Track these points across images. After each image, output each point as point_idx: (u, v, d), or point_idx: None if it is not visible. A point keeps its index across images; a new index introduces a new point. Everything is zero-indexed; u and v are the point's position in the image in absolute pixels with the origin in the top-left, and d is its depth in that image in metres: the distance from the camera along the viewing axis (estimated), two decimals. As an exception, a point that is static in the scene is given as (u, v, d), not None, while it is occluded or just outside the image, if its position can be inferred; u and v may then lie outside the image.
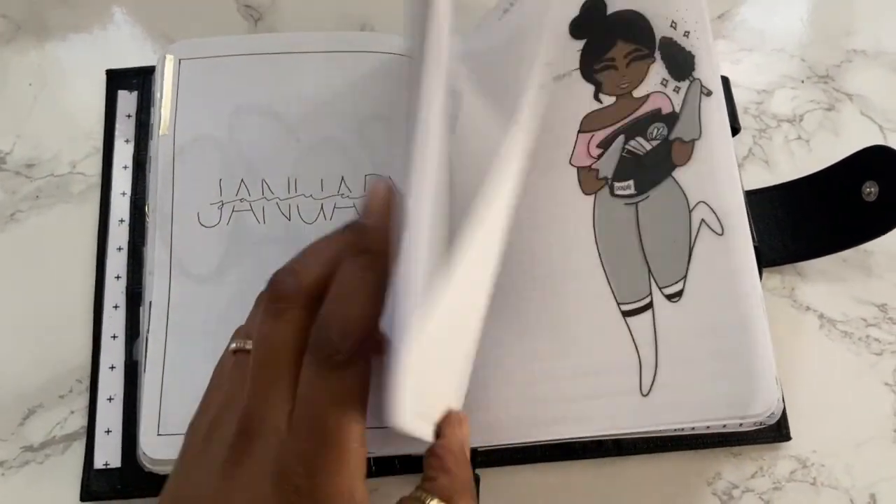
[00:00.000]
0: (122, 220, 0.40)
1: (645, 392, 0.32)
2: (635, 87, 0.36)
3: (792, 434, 0.38)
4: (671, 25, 0.36)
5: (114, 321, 0.38)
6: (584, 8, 0.38)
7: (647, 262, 0.33)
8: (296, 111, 0.40)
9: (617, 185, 0.35)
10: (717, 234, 0.32)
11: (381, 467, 0.36)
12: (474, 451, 0.35)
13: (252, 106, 0.40)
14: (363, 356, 0.27)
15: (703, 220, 0.33)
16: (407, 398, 0.23)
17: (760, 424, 0.32)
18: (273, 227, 0.38)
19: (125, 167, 0.41)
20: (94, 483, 0.36)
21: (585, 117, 0.36)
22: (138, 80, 0.43)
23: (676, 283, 0.33)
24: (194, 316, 0.36)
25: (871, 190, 0.38)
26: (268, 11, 0.46)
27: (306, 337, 0.27)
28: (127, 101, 0.42)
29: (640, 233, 0.34)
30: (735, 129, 0.41)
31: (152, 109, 0.40)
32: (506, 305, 0.35)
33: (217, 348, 0.30)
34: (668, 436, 0.37)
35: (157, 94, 0.40)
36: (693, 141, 0.34)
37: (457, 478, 0.28)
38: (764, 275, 0.39)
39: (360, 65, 0.41)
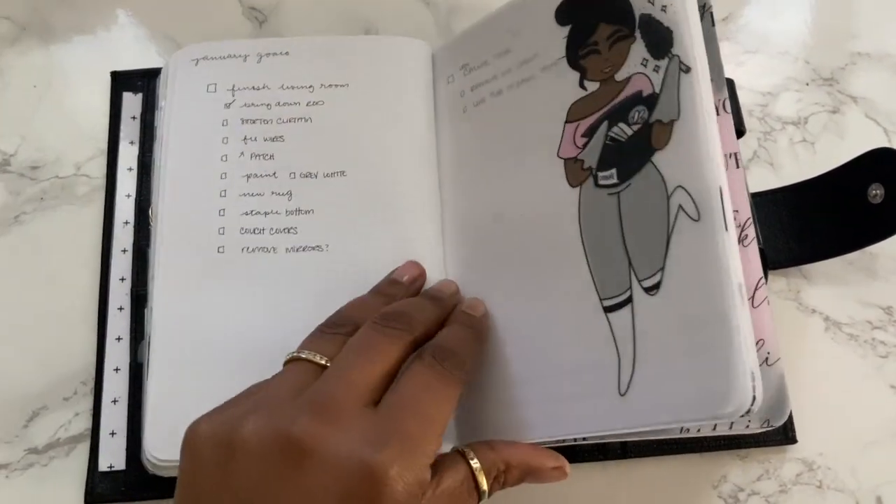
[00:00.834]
0: (126, 222, 0.40)
1: (622, 391, 0.31)
2: (617, 70, 0.34)
3: (798, 437, 0.38)
4: (649, 0, 0.33)
5: (118, 323, 0.38)
6: None
7: (627, 255, 0.32)
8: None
9: (600, 174, 0.34)
10: (693, 220, 0.30)
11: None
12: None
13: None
14: (463, 387, 0.30)
15: (680, 206, 0.31)
16: None
17: (767, 426, 0.32)
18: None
19: (130, 169, 0.41)
20: (98, 485, 0.36)
21: (572, 106, 0.35)
22: (143, 81, 0.43)
23: (654, 274, 0.31)
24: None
25: (876, 192, 0.38)
26: (272, 13, 0.46)
27: (399, 366, 0.30)
28: (132, 102, 0.42)
29: (621, 224, 0.33)
30: (740, 132, 0.41)
31: (157, 112, 0.40)
32: (493, 308, 0.35)
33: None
34: (674, 438, 0.36)
35: (162, 102, 0.40)
36: (672, 122, 0.32)
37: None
38: (769, 277, 0.39)
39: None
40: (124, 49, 0.45)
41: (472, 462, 0.29)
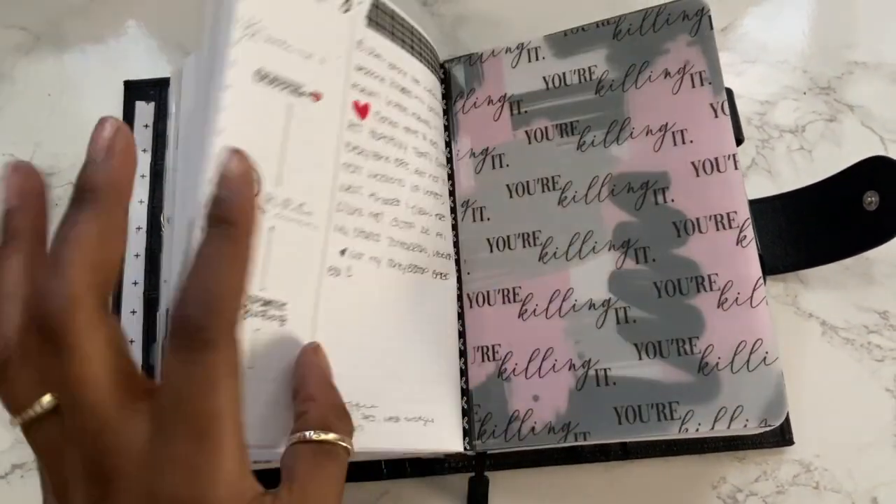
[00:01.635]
0: (139, 228, 0.41)
1: None
2: None
3: (795, 439, 0.38)
4: None
5: (131, 326, 0.39)
6: None
7: None
8: None
9: None
10: None
11: (391, 471, 0.37)
12: (484, 454, 0.36)
13: None
14: (234, 332, 0.23)
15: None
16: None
17: (765, 426, 0.32)
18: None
19: (143, 176, 0.42)
20: (111, 484, 0.36)
21: None
22: (155, 91, 0.44)
23: None
24: None
25: (871, 199, 0.39)
26: (281, 24, 0.47)
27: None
28: (144, 111, 0.43)
29: None
30: (739, 140, 0.42)
31: (168, 120, 0.41)
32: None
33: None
34: (675, 440, 0.37)
35: (173, 108, 0.41)
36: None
37: (325, 404, 0.27)
38: (767, 282, 0.39)
39: None
40: (136, 59, 0.46)
41: (309, 436, 0.26)
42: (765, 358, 0.33)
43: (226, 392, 0.22)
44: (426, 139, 0.38)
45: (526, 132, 0.39)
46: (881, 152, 0.44)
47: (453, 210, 0.39)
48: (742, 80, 0.46)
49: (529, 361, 0.36)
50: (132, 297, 0.40)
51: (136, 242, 0.40)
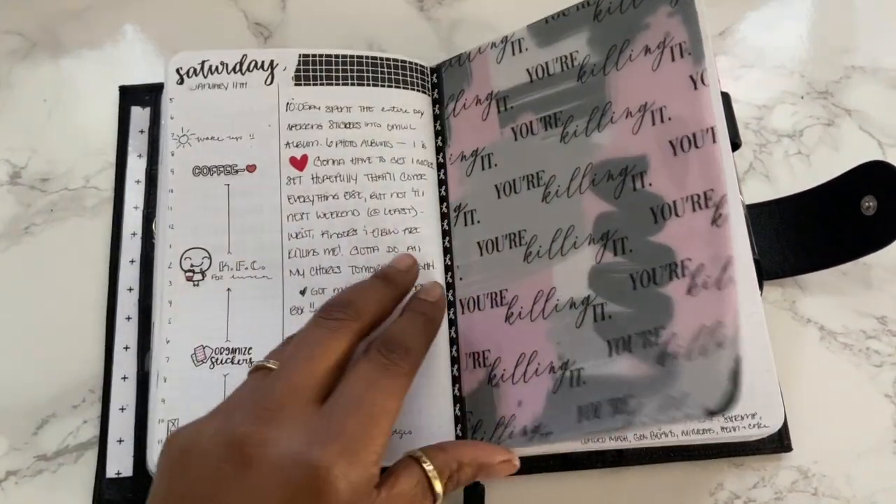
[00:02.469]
0: (134, 234, 0.41)
1: None
2: None
3: (793, 445, 0.38)
4: None
5: (126, 332, 0.39)
6: None
7: None
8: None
9: None
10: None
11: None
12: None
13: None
14: (416, 370, 0.31)
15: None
16: None
17: (719, 415, 0.29)
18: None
19: (138, 181, 0.42)
20: (106, 492, 0.36)
21: None
22: (151, 96, 0.44)
23: None
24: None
25: (869, 204, 0.39)
26: (277, 29, 0.47)
27: (349, 356, 0.30)
28: (140, 116, 0.43)
29: None
30: (736, 145, 0.42)
31: (161, 125, 0.41)
32: None
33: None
34: (671, 446, 0.37)
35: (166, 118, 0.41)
36: None
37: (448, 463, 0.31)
38: (765, 288, 0.39)
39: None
40: (132, 64, 0.46)
41: (424, 465, 0.30)
42: (721, 341, 0.29)
43: (396, 406, 0.29)
44: (384, 160, 0.39)
45: (512, 129, 0.38)
46: (879, 157, 0.44)
47: (446, 216, 0.39)
48: (739, 84, 0.46)
49: (516, 366, 0.35)
50: (127, 304, 0.39)
51: (131, 248, 0.40)
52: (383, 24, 0.47)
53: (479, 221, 0.38)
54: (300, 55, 0.40)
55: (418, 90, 0.41)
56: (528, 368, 0.34)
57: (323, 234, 0.38)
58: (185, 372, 0.35)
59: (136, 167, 0.42)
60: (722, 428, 0.35)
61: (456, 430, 0.35)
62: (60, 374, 0.39)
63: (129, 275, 0.40)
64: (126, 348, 0.38)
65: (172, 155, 0.38)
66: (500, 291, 0.36)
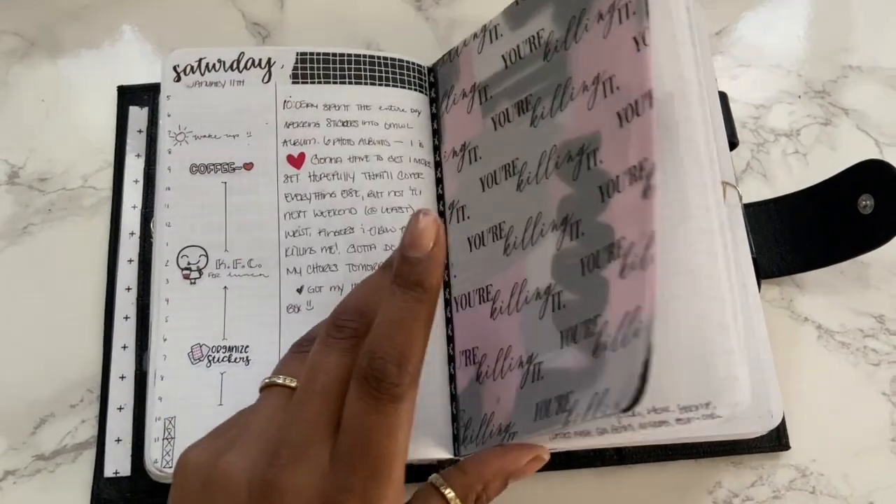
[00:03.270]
0: (132, 233, 0.41)
1: None
2: None
3: (791, 443, 0.38)
4: None
5: (124, 332, 0.39)
6: None
7: None
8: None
9: None
10: None
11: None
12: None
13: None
14: (414, 389, 0.27)
15: None
16: None
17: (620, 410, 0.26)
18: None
19: (136, 181, 0.42)
20: (104, 491, 0.36)
21: None
22: (149, 95, 0.44)
23: None
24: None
25: (867, 203, 0.39)
26: (275, 29, 0.47)
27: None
28: (138, 116, 0.43)
29: None
30: (733, 144, 0.42)
31: (158, 124, 0.41)
32: None
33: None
34: (669, 444, 0.37)
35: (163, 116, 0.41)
36: None
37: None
38: (762, 286, 0.39)
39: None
40: (131, 64, 0.46)
41: (445, 493, 0.29)
42: (637, 329, 0.26)
43: (403, 438, 0.27)
44: (382, 159, 0.39)
45: (492, 119, 0.37)
46: (876, 156, 0.44)
47: (442, 213, 0.39)
48: (737, 83, 0.46)
49: (496, 362, 0.33)
50: (125, 303, 0.39)
51: (129, 248, 0.40)
52: (381, 24, 0.47)
53: (468, 217, 0.37)
54: (297, 53, 0.40)
55: (415, 89, 0.41)
56: (505, 364, 0.33)
57: (320, 233, 0.38)
58: (181, 370, 0.35)
59: (135, 167, 0.42)
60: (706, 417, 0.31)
61: (452, 429, 0.35)
62: (58, 374, 0.39)
63: (128, 274, 0.40)
64: (124, 347, 0.38)
65: (169, 153, 0.38)
66: (486, 286, 0.35)
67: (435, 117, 0.41)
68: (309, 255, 0.37)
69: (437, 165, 0.40)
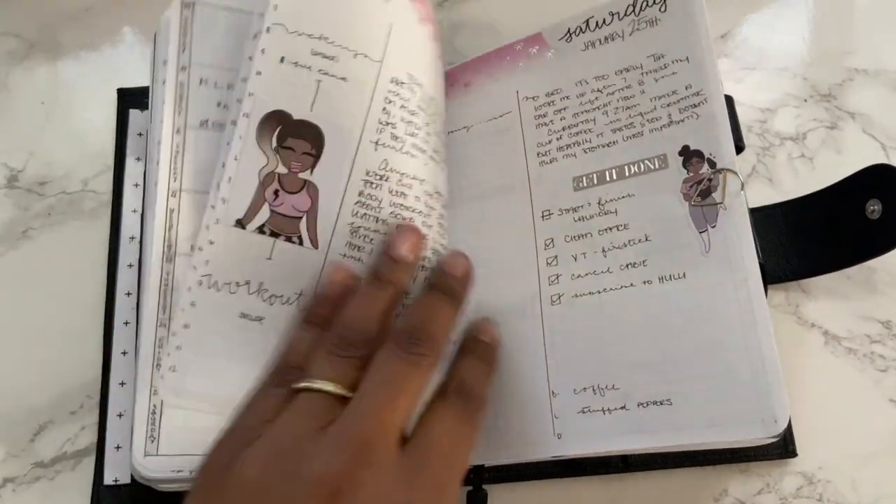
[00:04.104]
0: (132, 238, 0.40)
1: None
2: None
3: (798, 450, 0.38)
4: None
5: (124, 337, 0.38)
6: None
7: None
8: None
9: None
10: None
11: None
12: (481, 468, 0.35)
13: None
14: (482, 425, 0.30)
15: None
16: None
17: None
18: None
19: (136, 185, 0.41)
20: (103, 499, 0.36)
21: None
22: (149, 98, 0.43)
23: None
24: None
25: (874, 208, 0.38)
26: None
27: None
28: (138, 119, 0.43)
29: None
30: (739, 148, 0.42)
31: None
32: None
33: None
34: (676, 452, 0.37)
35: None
36: None
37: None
38: (769, 291, 0.39)
39: None
40: (131, 66, 0.46)
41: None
42: None
43: (474, 449, 0.30)
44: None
45: None
46: (883, 160, 0.44)
47: None
48: (742, 87, 0.46)
49: None
50: (125, 308, 0.39)
51: (130, 252, 0.40)
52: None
53: None
54: None
55: None
56: None
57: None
58: None
59: (135, 170, 0.42)
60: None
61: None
62: (58, 380, 0.38)
63: (128, 279, 0.39)
64: (124, 353, 0.38)
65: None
66: None
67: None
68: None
69: None
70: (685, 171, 0.35)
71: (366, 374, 0.28)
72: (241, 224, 0.33)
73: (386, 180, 0.34)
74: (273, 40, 0.33)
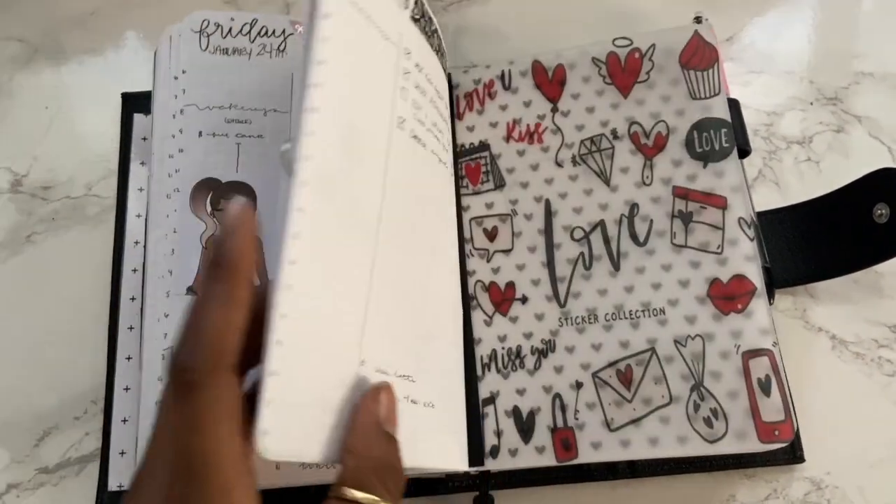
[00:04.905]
0: (136, 242, 0.40)
1: None
2: None
3: (806, 456, 0.38)
4: None
5: (128, 343, 0.38)
6: None
7: None
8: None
9: None
10: None
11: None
12: (487, 473, 0.35)
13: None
14: (225, 371, 0.24)
15: None
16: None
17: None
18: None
19: (140, 189, 0.41)
20: (108, 505, 0.36)
21: None
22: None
23: None
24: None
25: (882, 212, 0.38)
26: (281, 35, 0.47)
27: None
28: (142, 123, 0.43)
29: None
30: (745, 151, 0.42)
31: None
32: None
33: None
34: (682, 457, 0.37)
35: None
36: None
37: (365, 459, 0.25)
38: (776, 296, 0.39)
39: None
40: (135, 71, 0.46)
41: (344, 494, 0.25)
42: None
43: (214, 429, 0.23)
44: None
45: None
46: (889, 163, 0.43)
47: None
48: (748, 90, 0.46)
49: None
50: (129, 313, 0.39)
51: (134, 257, 0.40)
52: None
53: None
54: None
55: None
56: None
57: None
58: None
59: (139, 175, 0.42)
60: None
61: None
62: (62, 386, 0.38)
63: (132, 284, 0.39)
64: (128, 359, 0.38)
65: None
66: None
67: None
68: None
69: None
70: None
71: None
72: (192, 291, 0.34)
73: None
74: (188, 120, 0.37)
